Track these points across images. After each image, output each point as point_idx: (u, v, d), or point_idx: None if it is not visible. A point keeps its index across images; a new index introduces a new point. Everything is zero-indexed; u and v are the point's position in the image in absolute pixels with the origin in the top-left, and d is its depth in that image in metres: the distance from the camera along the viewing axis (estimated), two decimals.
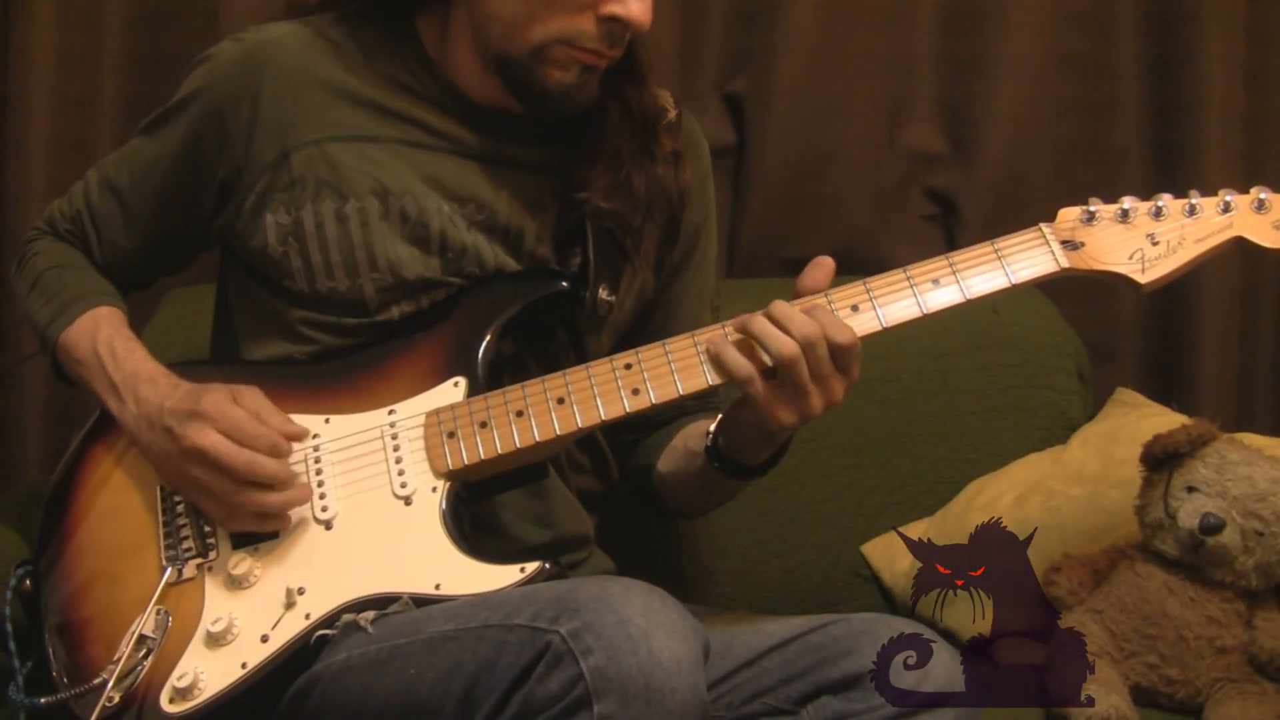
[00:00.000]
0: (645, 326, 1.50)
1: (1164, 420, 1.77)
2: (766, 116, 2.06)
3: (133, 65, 2.01)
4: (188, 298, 1.85)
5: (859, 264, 2.09)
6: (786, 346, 1.22)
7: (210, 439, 1.26)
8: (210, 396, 1.28)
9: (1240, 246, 1.31)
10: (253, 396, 1.30)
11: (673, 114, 1.49)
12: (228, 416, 1.27)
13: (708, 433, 1.40)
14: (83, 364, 1.41)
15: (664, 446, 1.52)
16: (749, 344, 1.26)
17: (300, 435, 1.31)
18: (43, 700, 1.25)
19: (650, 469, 1.53)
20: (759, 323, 1.24)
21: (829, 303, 1.28)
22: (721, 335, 1.27)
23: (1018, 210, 2.01)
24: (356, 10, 1.44)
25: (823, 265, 1.30)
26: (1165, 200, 1.31)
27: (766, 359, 1.24)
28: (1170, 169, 2.09)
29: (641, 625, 1.07)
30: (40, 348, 1.48)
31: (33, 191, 1.98)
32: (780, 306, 1.25)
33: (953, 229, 2.13)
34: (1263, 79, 2.11)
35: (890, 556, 1.82)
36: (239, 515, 1.28)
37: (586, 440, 1.51)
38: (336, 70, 1.41)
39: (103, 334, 1.40)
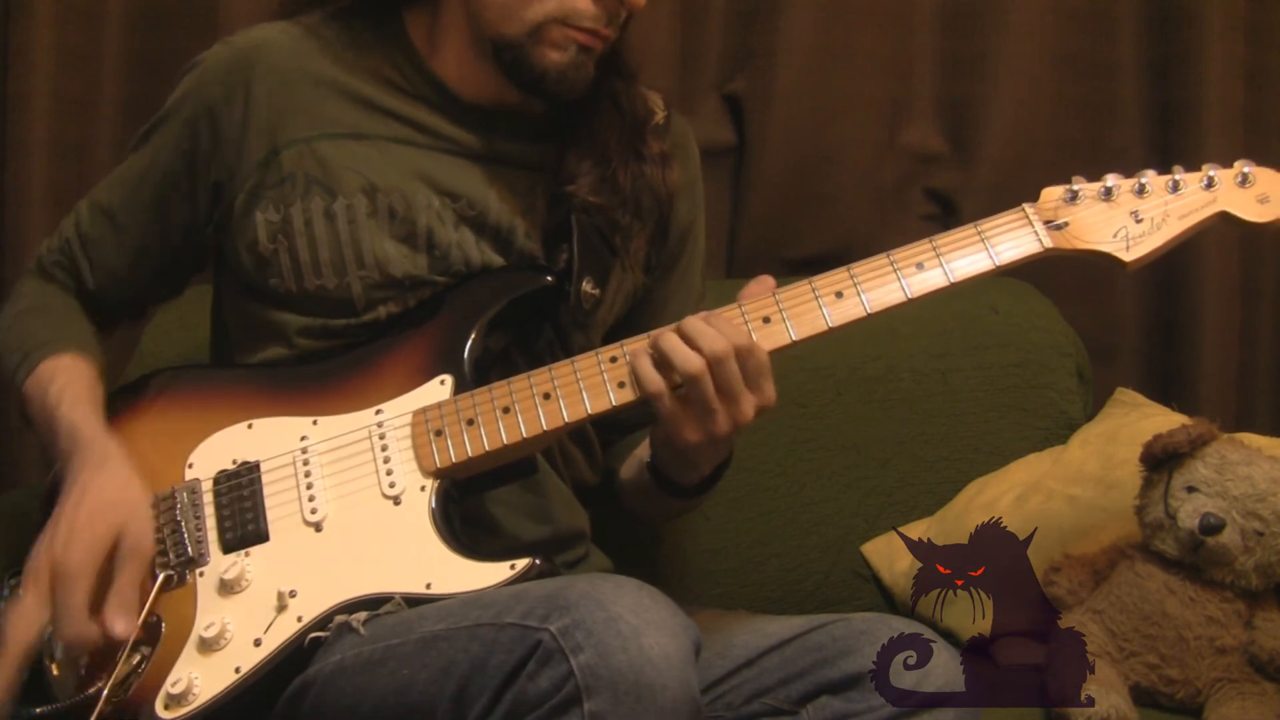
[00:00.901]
0: (631, 327, 1.50)
1: (1164, 420, 1.77)
2: (766, 116, 2.06)
3: (133, 65, 2.01)
4: (188, 297, 1.83)
5: None
6: (692, 362, 1.23)
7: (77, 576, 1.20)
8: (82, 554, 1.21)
9: (1226, 223, 1.32)
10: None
11: (661, 115, 1.49)
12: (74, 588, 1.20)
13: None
14: (36, 415, 1.37)
15: (628, 453, 1.53)
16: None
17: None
18: (38, 710, 1.25)
19: (615, 474, 1.55)
20: (668, 338, 1.25)
21: (813, 289, 1.29)
22: (643, 347, 1.28)
23: None
24: (345, 7, 1.44)
25: (764, 283, 1.31)
26: (1149, 177, 1.32)
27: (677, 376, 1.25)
28: (1170, 169, 2.09)
29: (632, 622, 1.07)
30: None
31: (33, 191, 1.98)
32: (691, 322, 1.26)
33: (952, 229, 2.13)
34: (1263, 79, 2.10)
35: (890, 556, 1.82)
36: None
37: (577, 433, 1.51)
38: (326, 67, 1.41)
39: (51, 392, 1.36)
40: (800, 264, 2.10)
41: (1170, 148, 2.10)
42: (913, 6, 2.08)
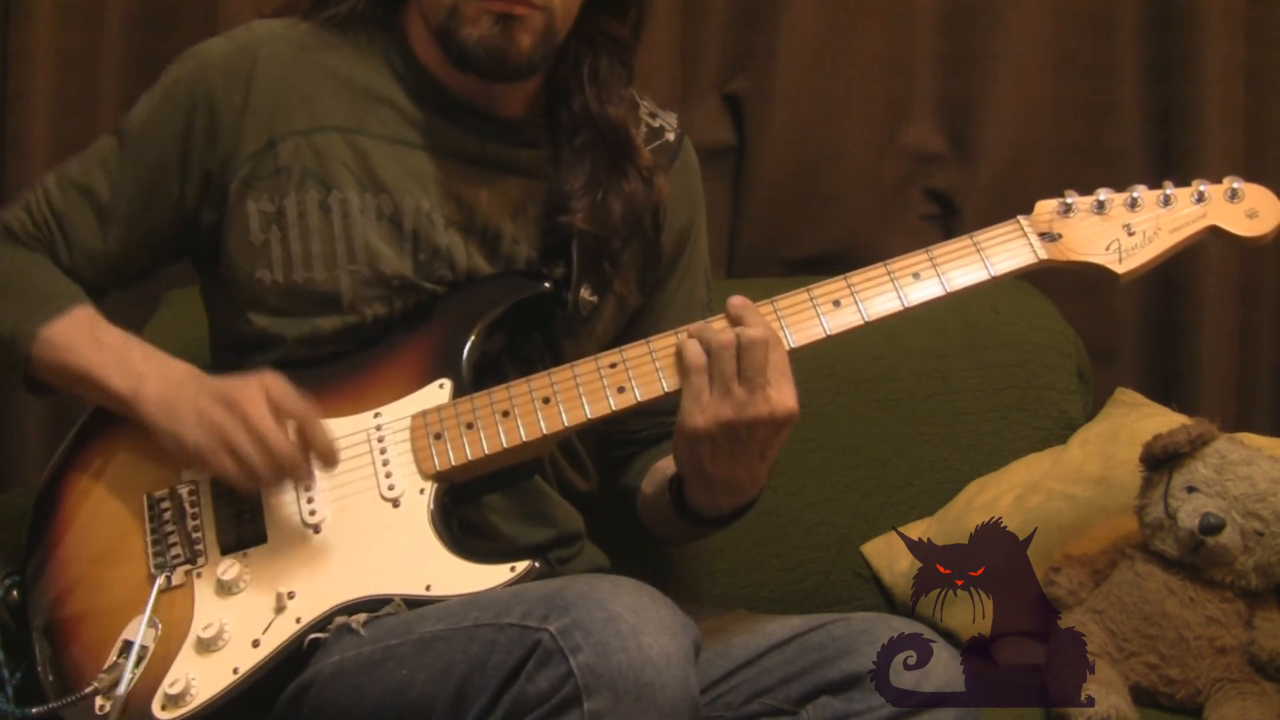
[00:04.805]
0: (629, 334, 1.49)
1: (1164, 420, 1.77)
2: (766, 116, 2.06)
3: (133, 65, 2.00)
4: (187, 297, 1.84)
5: (859, 264, 2.07)
6: (723, 334, 1.24)
7: (259, 408, 1.25)
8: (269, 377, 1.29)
9: (1216, 237, 1.34)
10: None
11: (672, 135, 1.51)
12: (279, 396, 1.27)
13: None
14: (74, 349, 1.34)
15: (650, 467, 1.52)
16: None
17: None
18: (34, 710, 1.25)
19: (636, 490, 1.53)
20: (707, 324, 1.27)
21: (811, 298, 1.30)
22: (699, 327, 1.29)
23: (1018, 210, 2.00)
24: (345, 15, 1.43)
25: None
26: (1140, 191, 1.34)
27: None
28: (1170, 170, 2.09)
29: (631, 621, 1.07)
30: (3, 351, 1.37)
31: None
32: (734, 301, 1.28)
33: (953, 229, 2.13)
34: (1263, 79, 2.11)
35: (890, 556, 1.82)
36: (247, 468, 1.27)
37: (561, 443, 1.51)
38: (326, 64, 1.41)
39: (101, 327, 1.36)
40: (800, 264, 2.10)
41: (1170, 148, 2.10)
42: (913, 6, 2.08)
